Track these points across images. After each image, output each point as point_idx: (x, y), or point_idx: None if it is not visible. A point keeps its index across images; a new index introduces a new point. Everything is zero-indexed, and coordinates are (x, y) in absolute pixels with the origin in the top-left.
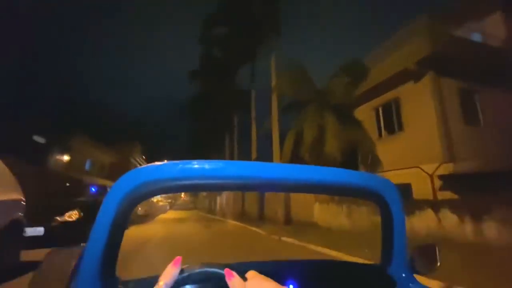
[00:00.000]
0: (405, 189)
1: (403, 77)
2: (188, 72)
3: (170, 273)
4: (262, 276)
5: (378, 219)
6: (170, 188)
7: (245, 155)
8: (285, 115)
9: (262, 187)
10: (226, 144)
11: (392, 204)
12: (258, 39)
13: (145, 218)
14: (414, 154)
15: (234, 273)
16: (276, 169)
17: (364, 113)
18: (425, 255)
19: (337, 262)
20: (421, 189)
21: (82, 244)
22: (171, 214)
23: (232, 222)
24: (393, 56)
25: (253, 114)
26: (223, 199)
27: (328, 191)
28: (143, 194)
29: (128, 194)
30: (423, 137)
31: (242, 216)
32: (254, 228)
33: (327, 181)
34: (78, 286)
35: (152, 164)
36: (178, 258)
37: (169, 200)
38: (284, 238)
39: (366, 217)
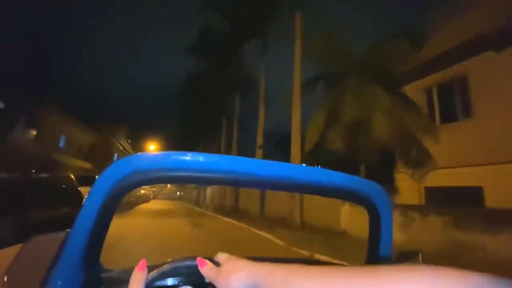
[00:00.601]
0: (473, 194)
1: (477, 46)
2: (186, 47)
3: (138, 279)
4: (234, 256)
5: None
6: (162, 179)
7: (246, 143)
8: (306, 92)
9: (252, 184)
10: (222, 131)
11: (380, 209)
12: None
13: (122, 207)
14: (488, 148)
15: (206, 261)
16: (268, 167)
17: (410, 95)
18: (408, 261)
19: (323, 262)
20: (499, 194)
21: (67, 230)
22: (153, 205)
23: (225, 220)
24: (460, 21)
25: (262, 93)
26: (214, 191)
27: (318, 192)
28: (134, 182)
29: (118, 181)
30: (504, 126)
31: (235, 212)
32: (263, 233)
33: (316, 181)
34: (60, 273)
35: (145, 153)
36: (143, 261)
37: (154, 189)
38: (320, 256)
39: (440, 230)
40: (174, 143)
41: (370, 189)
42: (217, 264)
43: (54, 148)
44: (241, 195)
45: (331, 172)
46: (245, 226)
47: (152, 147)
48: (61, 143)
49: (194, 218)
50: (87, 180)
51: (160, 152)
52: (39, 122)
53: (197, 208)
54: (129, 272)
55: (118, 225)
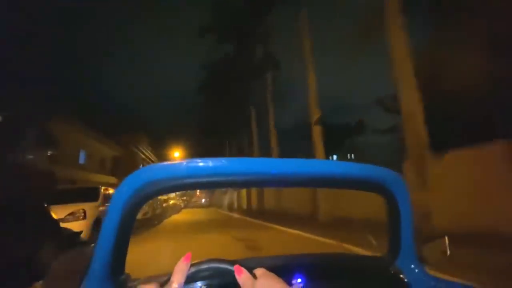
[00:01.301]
0: None
1: None
2: (200, 29)
3: (181, 270)
4: (271, 274)
5: None
6: (176, 187)
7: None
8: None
9: (265, 183)
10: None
11: (398, 196)
12: None
13: (148, 222)
14: None
15: (244, 270)
16: (279, 164)
17: None
18: (435, 246)
19: (345, 254)
20: None
21: (91, 245)
22: (185, 216)
23: (286, 231)
24: None
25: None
26: (250, 192)
27: (331, 185)
28: (149, 193)
29: (134, 193)
30: None
31: (284, 216)
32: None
33: (331, 174)
34: (89, 285)
35: (157, 163)
36: (189, 254)
37: (184, 198)
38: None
39: None
40: (198, 147)
41: (386, 177)
42: (253, 275)
43: (74, 164)
44: (284, 194)
45: (344, 163)
46: (334, 242)
47: (177, 154)
48: (81, 159)
49: (238, 230)
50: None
51: (172, 162)
52: (53, 135)
53: (234, 215)
54: (154, 280)
55: (141, 251)
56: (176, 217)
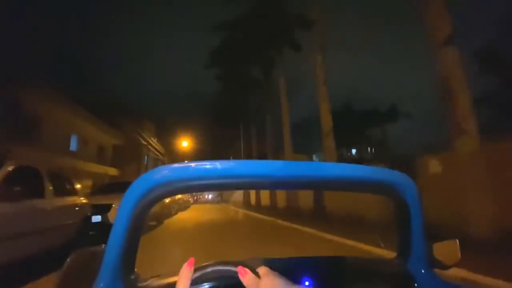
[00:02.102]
0: None
1: None
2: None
3: (186, 276)
4: (275, 273)
5: None
6: (185, 189)
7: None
8: None
9: (274, 185)
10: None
11: (409, 199)
12: None
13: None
14: None
15: (248, 270)
16: (287, 167)
17: None
18: (446, 250)
19: (353, 257)
20: None
21: (103, 245)
22: (193, 213)
23: (339, 241)
24: None
25: None
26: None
27: (340, 188)
28: (158, 195)
29: (143, 196)
30: None
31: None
32: None
33: (339, 177)
34: (101, 284)
35: (165, 166)
36: (191, 259)
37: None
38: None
39: None
40: (208, 138)
41: (396, 180)
42: (257, 275)
43: (61, 150)
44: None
45: (353, 165)
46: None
47: (185, 144)
48: (73, 145)
49: (278, 242)
50: (119, 186)
51: (180, 164)
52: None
53: (254, 214)
54: (163, 279)
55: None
56: (182, 216)
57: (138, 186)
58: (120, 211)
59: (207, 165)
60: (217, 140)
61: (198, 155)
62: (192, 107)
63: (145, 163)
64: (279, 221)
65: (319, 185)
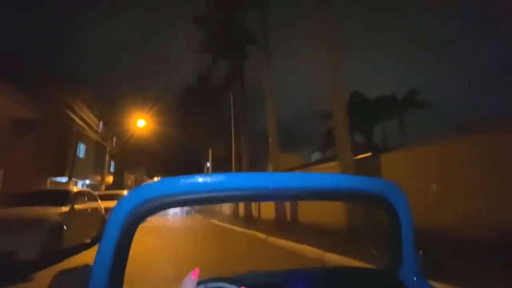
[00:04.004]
0: None
1: None
2: None
3: (189, 286)
4: None
5: None
6: (174, 203)
7: None
8: None
9: (265, 197)
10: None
11: (398, 207)
12: None
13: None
14: None
15: None
16: (278, 178)
17: None
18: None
19: (346, 268)
20: None
21: (88, 264)
22: (145, 237)
23: None
24: None
25: None
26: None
27: (331, 198)
28: (147, 210)
29: (131, 212)
30: None
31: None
32: None
33: (330, 187)
34: None
35: (155, 181)
36: (196, 270)
37: None
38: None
39: None
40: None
41: (387, 190)
42: None
43: None
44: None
45: (345, 176)
46: None
47: (142, 123)
48: None
49: None
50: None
51: (169, 178)
52: None
53: (256, 234)
54: None
55: None
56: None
57: (128, 201)
58: (109, 227)
59: (198, 178)
60: (186, 122)
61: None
62: (153, 76)
63: (79, 154)
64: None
65: (311, 196)
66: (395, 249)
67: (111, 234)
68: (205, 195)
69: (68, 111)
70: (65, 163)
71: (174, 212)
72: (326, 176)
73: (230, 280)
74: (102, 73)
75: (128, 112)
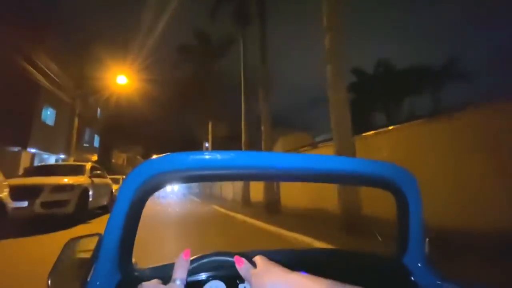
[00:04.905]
0: None
1: None
2: None
3: (182, 266)
4: (271, 261)
5: None
6: (182, 179)
7: None
8: None
9: (273, 177)
10: None
11: (409, 194)
12: None
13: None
14: None
15: (244, 260)
16: (288, 159)
17: None
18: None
19: (349, 251)
20: None
21: (98, 233)
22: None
23: None
24: None
25: None
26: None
27: (341, 181)
28: (156, 184)
29: (141, 185)
30: None
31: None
32: None
33: (340, 170)
34: (98, 274)
35: (165, 155)
36: (187, 250)
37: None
38: None
39: None
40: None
41: (397, 174)
42: (253, 264)
43: None
44: None
45: (354, 159)
46: None
47: (122, 79)
48: None
49: None
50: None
51: (179, 153)
52: None
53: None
54: (161, 269)
55: None
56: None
57: (138, 174)
58: (119, 199)
59: (207, 155)
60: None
61: (156, 111)
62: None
63: (47, 121)
64: None
65: (319, 178)
66: (402, 235)
67: (122, 205)
68: (214, 172)
69: (27, 64)
70: (26, 131)
71: (167, 194)
72: (335, 158)
73: (224, 253)
74: (74, 15)
75: (107, 67)
